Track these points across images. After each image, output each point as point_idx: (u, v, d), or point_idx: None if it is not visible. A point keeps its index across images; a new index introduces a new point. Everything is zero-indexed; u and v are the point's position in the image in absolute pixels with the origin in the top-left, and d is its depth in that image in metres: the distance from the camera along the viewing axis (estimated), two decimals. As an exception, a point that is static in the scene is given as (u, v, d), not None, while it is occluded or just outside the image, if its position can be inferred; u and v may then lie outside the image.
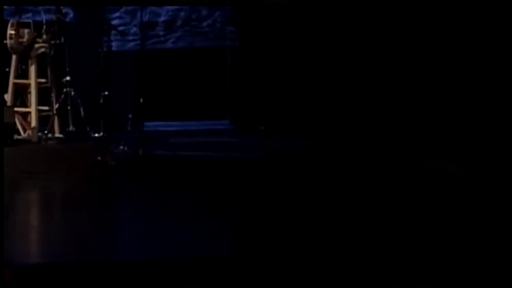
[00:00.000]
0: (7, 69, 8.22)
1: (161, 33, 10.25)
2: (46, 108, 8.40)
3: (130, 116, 8.54)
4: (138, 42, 9.65)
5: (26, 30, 8.18)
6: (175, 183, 6.80)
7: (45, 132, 8.21)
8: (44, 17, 8.41)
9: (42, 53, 8.35)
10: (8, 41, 8.06)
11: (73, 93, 8.47)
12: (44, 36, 8.28)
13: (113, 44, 9.56)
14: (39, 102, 8.28)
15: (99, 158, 7.30)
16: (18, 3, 8.73)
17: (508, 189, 5.87)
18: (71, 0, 9.10)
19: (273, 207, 5.67)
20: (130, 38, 9.87)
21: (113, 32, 9.51)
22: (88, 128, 8.42)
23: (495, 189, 5.97)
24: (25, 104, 8.27)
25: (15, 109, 8.12)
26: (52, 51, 8.43)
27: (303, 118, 9.27)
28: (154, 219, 5.50)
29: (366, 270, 4.09)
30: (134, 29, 9.88)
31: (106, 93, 8.53)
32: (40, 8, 8.66)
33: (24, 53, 8.24)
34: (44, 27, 8.30)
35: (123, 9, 9.97)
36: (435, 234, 4.78)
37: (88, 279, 4.03)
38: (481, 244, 4.49)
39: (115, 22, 9.87)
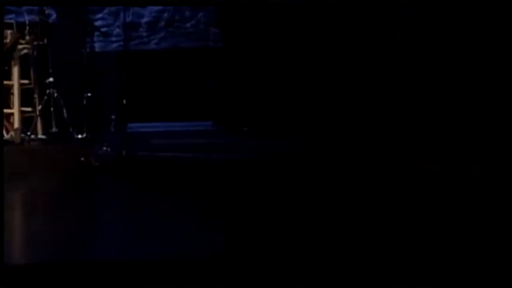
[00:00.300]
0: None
1: (144, 34, 10.26)
2: (29, 109, 8.38)
3: (113, 117, 8.53)
4: (121, 43, 9.64)
5: (8, 31, 8.16)
6: (158, 185, 6.78)
7: (28, 133, 8.20)
8: (27, 18, 8.40)
9: (25, 54, 8.33)
10: (-11, 42, 8.05)
11: (56, 94, 8.46)
12: (27, 37, 8.26)
13: (96, 45, 9.56)
14: (22, 103, 8.27)
15: (82, 159, 7.30)
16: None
17: (492, 189, 5.89)
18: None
19: (257, 208, 5.68)
20: (113, 39, 9.87)
21: (96, 33, 9.51)
22: (71, 129, 8.41)
23: (477, 189, 5.99)
24: (8, 105, 8.26)
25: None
26: (35, 52, 8.42)
27: (286, 119, 9.30)
28: (137, 220, 5.49)
29: (355, 272, 4.10)
30: (117, 30, 9.88)
31: (89, 94, 8.53)
32: (23, 8, 8.65)
33: (7, 54, 8.22)
34: (27, 28, 8.29)
35: (106, 10, 9.98)
36: (421, 235, 4.79)
37: (70, 279, 4.03)
38: (466, 244, 4.51)
39: (98, 23, 9.87)
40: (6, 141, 7.96)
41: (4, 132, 8.04)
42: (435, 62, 7.41)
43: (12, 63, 8.23)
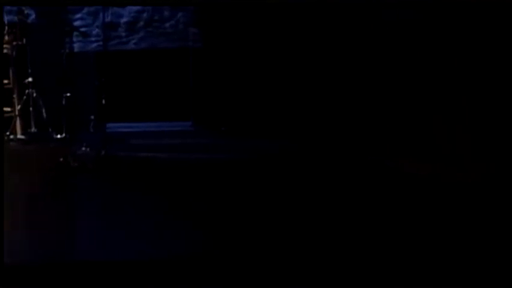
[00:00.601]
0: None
1: (123, 34, 10.25)
2: (8, 109, 8.38)
3: (92, 117, 8.55)
4: (100, 43, 9.65)
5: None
6: (137, 185, 6.79)
7: (7, 133, 8.20)
8: (5, 18, 8.39)
9: (5, 54, 8.33)
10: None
11: (35, 94, 8.47)
12: (6, 38, 8.26)
13: (76, 45, 9.57)
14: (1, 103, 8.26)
15: (61, 159, 7.30)
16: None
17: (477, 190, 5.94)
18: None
19: (236, 208, 5.72)
20: (92, 39, 9.86)
21: (75, 33, 9.52)
22: (50, 129, 8.42)
23: (460, 189, 6.03)
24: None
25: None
26: (14, 53, 8.42)
27: (265, 119, 9.34)
28: (116, 220, 5.51)
29: (337, 270, 4.14)
30: (97, 30, 9.87)
31: (68, 94, 8.54)
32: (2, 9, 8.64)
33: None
34: (6, 28, 8.29)
35: (85, 10, 9.96)
36: (398, 235, 4.85)
37: (49, 280, 4.05)
38: (446, 245, 4.57)
39: (77, 23, 9.86)
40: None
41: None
42: (419, 62, 7.48)
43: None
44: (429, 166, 6.73)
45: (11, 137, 8.19)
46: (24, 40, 8.44)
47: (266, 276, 4.07)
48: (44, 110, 8.47)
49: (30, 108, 8.42)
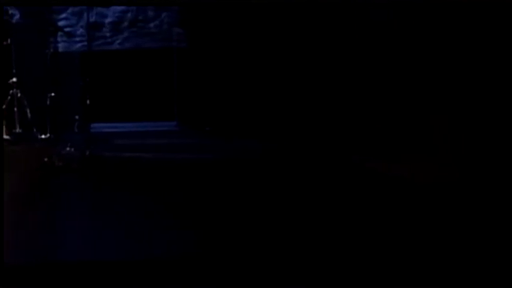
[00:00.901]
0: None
1: (108, 34, 10.25)
2: (-8, 110, 8.38)
3: (77, 117, 8.55)
4: (85, 43, 9.65)
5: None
6: (122, 185, 6.81)
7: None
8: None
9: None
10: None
11: (19, 94, 8.46)
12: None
13: (60, 45, 9.56)
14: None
15: (46, 159, 7.31)
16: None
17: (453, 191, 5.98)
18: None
19: (219, 209, 5.74)
20: (77, 39, 9.86)
21: (59, 33, 9.51)
22: (34, 130, 8.42)
23: (439, 192, 6.08)
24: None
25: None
26: (-2, 52, 8.41)
27: (249, 119, 9.38)
28: (101, 221, 5.53)
29: (306, 274, 4.17)
30: (81, 30, 9.87)
31: (53, 94, 8.54)
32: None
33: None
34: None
35: (69, 10, 9.96)
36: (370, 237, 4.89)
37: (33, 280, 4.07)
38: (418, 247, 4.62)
39: (61, 23, 9.85)
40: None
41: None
42: (402, 64, 7.53)
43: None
44: (412, 167, 6.78)
45: (-4, 137, 8.17)
46: (8, 40, 8.42)
47: (252, 275, 4.10)
48: (28, 110, 8.47)
49: (15, 109, 8.41)
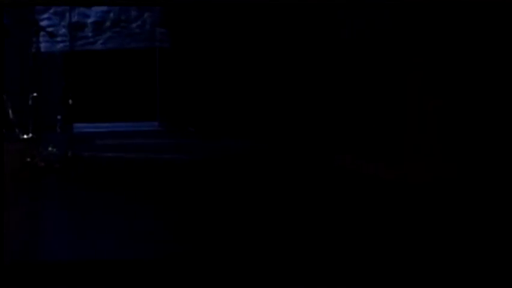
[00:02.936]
0: None
1: (90, 34, 10.26)
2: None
3: (59, 117, 8.55)
4: (67, 43, 9.65)
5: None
6: (103, 185, 6.82)
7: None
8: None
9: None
10: None
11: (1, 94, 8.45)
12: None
13: (42, 45, 9.56)
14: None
15: (28, 159, 7.31)
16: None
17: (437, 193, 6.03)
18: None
19: (201, 209, 5.77)
20: (59, 39, 9.86)
21: (42, 33, 9.51)
22: (16, 130, 8.41)
23: (422, 193, 6.12)
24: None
25: None
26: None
27: (232, 119, 9.40)
28: (83, 220, 5.54)
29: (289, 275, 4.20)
30: (63, 30, 9.87)
31: (35, 94, 8.54)
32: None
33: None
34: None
35: (52, 10, 9.96)
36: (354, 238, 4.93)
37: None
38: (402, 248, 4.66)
39: (43, 23, 9.85)
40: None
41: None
42: (376, 62, 7.56)
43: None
44: (395, 168, 6.83)
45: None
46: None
47: (236, 274, 4.13)
48: (10, 110, 8.46)
49: (-3, 108, 8.41)
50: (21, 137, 8.34)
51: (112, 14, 10.37)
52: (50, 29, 9.73)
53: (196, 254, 4.50)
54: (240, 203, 5.90)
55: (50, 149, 7.73)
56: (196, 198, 6.13)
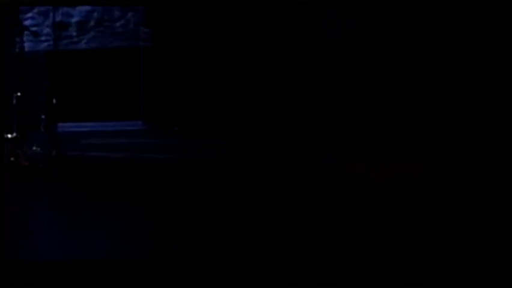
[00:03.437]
0: None
1: (74, 33, 10.24)
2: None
3: (43, 116, 8.54)
4: (51, 42, 9.64)
5: None
6: (88, 185, 6.83)
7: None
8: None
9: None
10: None
11: (-15, 94, 8.44)
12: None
13: (26, 44, 9.54)
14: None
15: (12, 159, 7.32)
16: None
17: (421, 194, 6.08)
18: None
19: (184, 209, 5.79)
20: (43, 38, 9.85)
21: (25, 32, 9.49)
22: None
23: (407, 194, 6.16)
24: None
25: None
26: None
27: (217, 119, 9.41)
28: (67, 220, 5.55)
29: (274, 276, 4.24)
30: (47, 29, 9.86)
31: (19, 94, 8.53)
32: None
33: None
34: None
35: (36, 9, 9.95)
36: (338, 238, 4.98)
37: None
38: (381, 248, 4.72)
39: (27, 23, 9.82)
40: None
41: None
42: (361, 63, 7.60)
43: None
44: (379, 168, 6.88)
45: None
46: (-26, 39, 8.40)
47: (218, 276, 4.17)
48: (-6, 110, 8.45)
49: (-19, 108, 8.38)
50: (5, 136, 8.32)
51: (95, 14, 10.36)
52: (34, 29, 9.71)
53: (181, 254, 4.53)
54: (225, 203, 5.93)
55: (34, 148, 7.73)
56: (180, 197, 6.15)
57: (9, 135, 8.35)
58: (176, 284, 4.10)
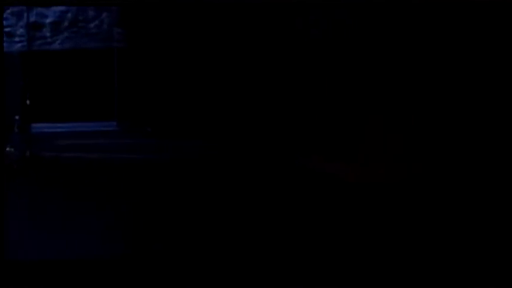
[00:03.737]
0: None
1: (48, 34, 10.23)
2: None
3: (17, 117, 8.54)
4: (25, 43, 9.63)
5: None
6: (61, 185, 6.84)
7: None
8: None
9: None
10: None
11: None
12: None
13: (0, 45, 9.52)
14: None
15: (-14, 160, 7.31)
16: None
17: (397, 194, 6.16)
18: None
19: (158, 208, 5.84)
20: (17, 39, 9.84)
21: (-1, 33, 9.47)
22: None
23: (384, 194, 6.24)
24: None
25: None
26: None
27: (191, 119, 9.44)
28: (41, 221, 5.57)
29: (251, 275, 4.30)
30: (21, 30, 9.84)
31: (-7, 94, 8.52)
32: None
33: None
34: None
35: (9, 10, 9.93)
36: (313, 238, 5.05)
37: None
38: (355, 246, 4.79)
39: (1, 23, 9.80)
40: None
41: None
42: (339, 65, 7.67)
43: None
44: (355, 168, 6.95)
45: None
46: None
47: (188, 277, 4.22)
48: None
49: (-46, 109, 8.36)
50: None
51: (69, 14, 10.35)
52: (7, 29, 9.69)
53: (155, 253, 4.58)
54: (198, 203, 5.98)
55: (8, 149, 7.73)
56: (154, 197, 6.19)
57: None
58: (151, 283, 4.15)
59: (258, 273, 4.23)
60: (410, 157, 6.71)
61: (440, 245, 4.71)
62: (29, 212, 5.95)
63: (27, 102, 8.34)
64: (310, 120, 8.02)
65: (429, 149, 6.65)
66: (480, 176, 6.17)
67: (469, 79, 6.55)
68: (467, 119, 6.53)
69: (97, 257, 4.49)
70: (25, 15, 9.57)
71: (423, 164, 6.56)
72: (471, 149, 6.42)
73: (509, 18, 6.28)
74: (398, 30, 6.85)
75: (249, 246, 4.72)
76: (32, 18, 9.75)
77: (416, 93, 6.82)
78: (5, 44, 9.66)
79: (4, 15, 9.92)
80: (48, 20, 10.25)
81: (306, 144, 7.83)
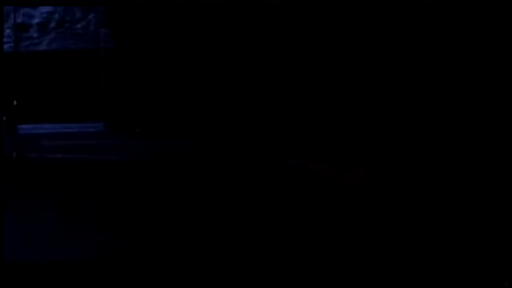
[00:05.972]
0: None
1: (35, 35, 10.21)
2: None
3: (4, 118, 8.51)
4: (12, 44, 9.60)
5: None
6: (47, 186, 6.81)
7: None
8: None
9: None
10: None
11: None
12: None
13: (-14, 46, 9.49)
14: None
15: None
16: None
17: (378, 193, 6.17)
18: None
19: (144, 208, 5.82)
20: (4, 40, 9.81)
21: (-14, 34, 9.44)
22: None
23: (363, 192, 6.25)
24: None
25: None
26: None
27: (178, 120, 9.42)
28: (26, 221, 5.55)
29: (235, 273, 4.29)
30: (8, 31, 9.82)
31: (-21, 96, 8.51)
32: None
33: None
34: None
35: (-4, 11, 9.90)
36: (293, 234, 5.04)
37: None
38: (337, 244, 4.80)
39: (-13, 24, 9.78)
40: None
41: None
42: (322, 69, 7.69)
43: None
44: (338, 168, 6.96)
45: None
46: None
47: (179, 275, 4.21)
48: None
49: None
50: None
51: (56, 15, 10.33)
52: (-7, 30, 9.67)
53: (136, 253, 4.57)
54: (183, 201, 5.96)
55: (-6, 150, 7.71)
56: (140, 197, 6.17)
57: (-31, 137, 8.32)
58: (147, 282, 4.15)
59: (243, 271, 4.23)
60: (388, 159, 6.74)
61: (418, 241, 4.73)
62: (16, 213, 5.92)
63: (14, 103, 8.31)
64: (296, 123, 8.02)
65: (411, 152, 6.68)
66: (459, 175, 6.21)
67: (443, 80, 6.59)
68: (445, 121, 6.57)
69: (91, 258, 4.48)
70: (12, 16, 9.55)
71: (404, 165, 6.59)
72: (451, 151, 6.45)
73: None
74: (369, 34, 6.89)
75: (234, 243, 4.72)
76: (19, 19, 9.72)
77: (400, 98, 6.85)
78: (-9, 45, 9.64)
79: (-9, 16, 9.90)
80: (35, 21, 10.22)
81: (291, 146, 7.82)
